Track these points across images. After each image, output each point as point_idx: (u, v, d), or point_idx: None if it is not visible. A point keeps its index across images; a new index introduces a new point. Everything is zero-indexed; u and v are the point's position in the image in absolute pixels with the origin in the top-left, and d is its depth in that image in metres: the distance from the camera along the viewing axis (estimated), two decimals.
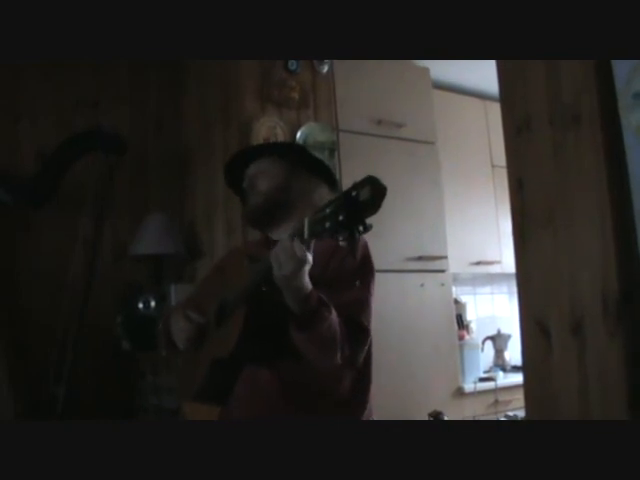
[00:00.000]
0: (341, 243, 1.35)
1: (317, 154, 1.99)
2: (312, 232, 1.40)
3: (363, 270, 1.78)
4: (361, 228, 1.33)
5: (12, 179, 2.97)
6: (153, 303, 3.09)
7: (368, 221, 1.33)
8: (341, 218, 1.32)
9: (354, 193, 1.32)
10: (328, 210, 1.35)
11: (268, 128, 3.09)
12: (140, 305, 3.09)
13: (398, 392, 3.22)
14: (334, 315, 1.61)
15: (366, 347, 1.74)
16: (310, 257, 1.48)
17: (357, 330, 1.69)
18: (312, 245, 1.48)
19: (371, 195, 1.31)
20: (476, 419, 3.41)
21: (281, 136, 3.10)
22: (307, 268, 1.50)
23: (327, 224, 1.35)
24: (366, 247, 1.82)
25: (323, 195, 1.86)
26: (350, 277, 1.74)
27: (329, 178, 1.91)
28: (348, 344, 1.64)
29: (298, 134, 3.14)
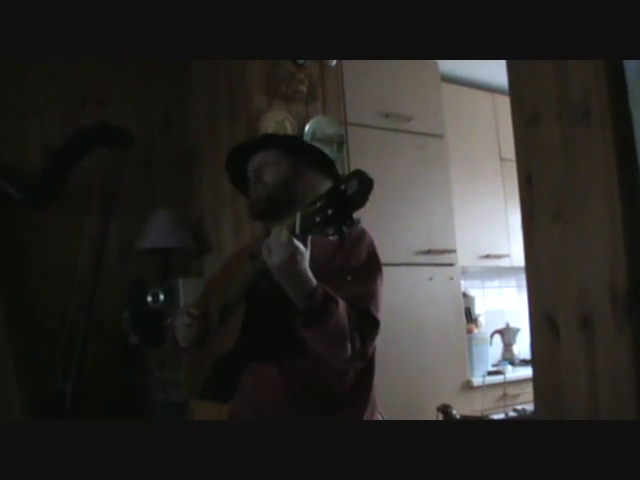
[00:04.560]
0: (330, 238, 1.35)
1: (325, 147, 1.98)
2: (303, 227, 1.40)
3: (370, 264, 1.78)
4: (349, 222, 1.33)
5: (20, 176, 2.98)
6: (162, 297, 3.10)
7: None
8: (330, 212, 1.32)
9: (342, 187, 1.32)
10: (318, 204, 1.35)
11: (276, 122, 3.08)
12: (149, 299, 3.10)
13: (407, 386, 3.23)
14: (342, 308, 1.59)
15: (375, 338, 1.72)
16: (302, 247, 1.46)
17: (367, 322, 1.68)
18: (308, 240, 1.48)
19: (358, 188, 1.31)
20: (484, 413, 3.42)
21: (289, 130, 3.10)
22: (301, 259, 1.48)
23: (317, 218, 1.35)
24: (372, 244, 1.81)
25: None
26: (358, 270, 1.73)
27: (333, 173, 1.91)
28: (359, 337, 1.63)
29: (306, 127, 3.14)
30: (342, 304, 1.60)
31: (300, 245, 1.46)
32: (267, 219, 1.93)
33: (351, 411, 1.77)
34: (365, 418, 1.78)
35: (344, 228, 1.33)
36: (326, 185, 1.86)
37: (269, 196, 1.84)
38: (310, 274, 1.53)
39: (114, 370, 3.16)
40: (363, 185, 1.32)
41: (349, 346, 1.61)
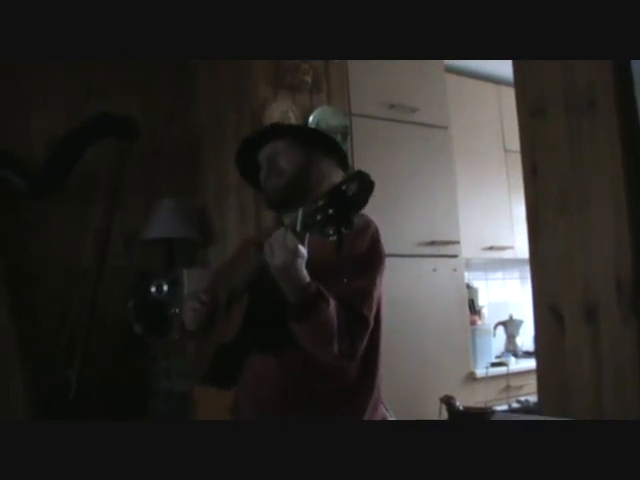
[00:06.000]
0: (330, 238, 1.35)
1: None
2: (304, 225, 1.41)
3: (370, 258, 1.76)
4: (347, 224, 1.34)
5: (24, 166, 2.98)
6: (165, 287, 3.09)
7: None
8: (330, 212, 1.34)
9: (343, 187, 1.33)
10: (320, 203, 1.36)
11: (281, 113, 3.08)
12: (153, 289, 3.09)
13: (410, 377, 3.23)
14: (332, 307, 1.59)
15: (365, 338, 1.71)
16: (303, 250, 1.48)
17: (359, 322, 1.68)
18: (306, 238, 1.48)
19: (359, 190, 1.32)
20: (487, 404, 3.42)
21: (293, 120, 3.09)
22: (301, 262, 1.50)
23: (318, 217, 1.36)
24: (376, 233, 1.79)
25: (338, 178, 1.84)
26: (358, 263, 1.71)
27: (342, 160, 1.90)
28: (347, 337, 1.63)
29: (310, 118, 3.13)
30: (333, 303, 1.60)
31: (302, 249, 1.47)
32: (284, 208, 1.88)
33: (353, 406, 1.77)
34: (368, 413, 1.78)
35: (343, 230, 1.34)
36: (337, 173, 1.86)
37: (288, 183, 1.82)
38: (305, 272, 1.54)
39: (118, 360, 3.16)
40: (363, 187, 1.33)
41: (336, 345, 1.60)
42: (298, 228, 1.42)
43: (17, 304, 2.90)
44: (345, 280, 1.65)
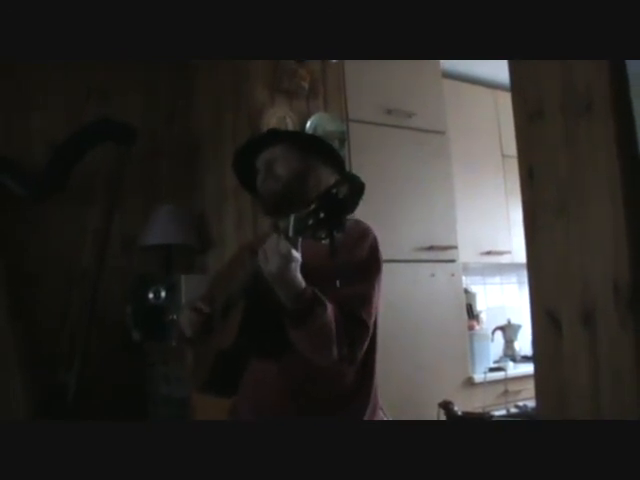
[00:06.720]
0: (322, 241, 1.35)
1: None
2: (296, 230, 1.41)
3: (369, 265, 1.76)
4: (340, 227, 1.34)
5: (23, 171, 2.98)
6: (163, 293, 3.09)
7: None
8: (322, 216, 1.34)
9: (334, 190, 1.33)
10: (312, 207, 1.35)
11: (278, 118, 3.09)
12: (150, 295, 3.09)
13: (408, 382, 3.23)
14: (330, 312, 1.58)
15: (365, 344, 1.71)
16: (297, 254, 1.47)
17: (358, 327, 1.67)
18: (299, 243, 1.48)
19: (349, 192, 1.32)
20: (486, 410, 3.42)
21: (291, 126, 3.10)
22: (295, 267, 1.49)
23: (310, 221, 1.36)
24: (375, 241, 1.79)
25: None
26: (357, 269, 1.71)
27: (339, 166, 1.90)
28: (347, 342, 1.62)
29: (308, 124, 3.14)
30: (330, 307, 1.59)
31: (296, 253, 1.46)
32: (280, 214, 1.86)
33: (352, 411, 1.77)
34: (367, 416, 1.78)
35: (335, 233, 1.34)
36: (334, 179, 1.86)
37: (284, 188, 1.82)
38: (300, 277, 1.53)
39: (117, 366, 3.15)
40: (354, 189, 1.33)
41: (335, 350, 1.60)
42: (290, 233, 1.42)
43: (17, 304, 2.90)
44: (338, 284, 1.63)
